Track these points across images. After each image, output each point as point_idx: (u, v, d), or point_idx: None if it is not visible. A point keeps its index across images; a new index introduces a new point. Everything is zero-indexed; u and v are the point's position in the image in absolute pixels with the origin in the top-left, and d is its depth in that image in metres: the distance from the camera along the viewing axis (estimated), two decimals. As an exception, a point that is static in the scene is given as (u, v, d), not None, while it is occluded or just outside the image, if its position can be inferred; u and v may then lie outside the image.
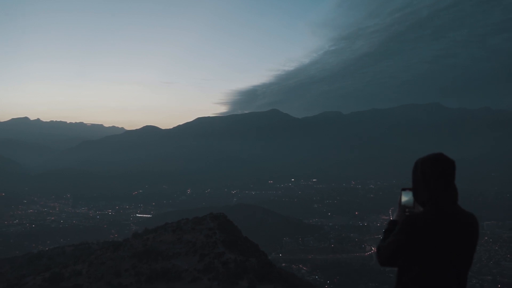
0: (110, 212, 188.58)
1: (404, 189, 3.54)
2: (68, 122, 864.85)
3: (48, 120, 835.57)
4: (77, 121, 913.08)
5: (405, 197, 3.49)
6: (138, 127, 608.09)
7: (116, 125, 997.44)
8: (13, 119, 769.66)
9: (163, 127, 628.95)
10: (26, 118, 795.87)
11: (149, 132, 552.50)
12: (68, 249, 52.59)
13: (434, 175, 3.17)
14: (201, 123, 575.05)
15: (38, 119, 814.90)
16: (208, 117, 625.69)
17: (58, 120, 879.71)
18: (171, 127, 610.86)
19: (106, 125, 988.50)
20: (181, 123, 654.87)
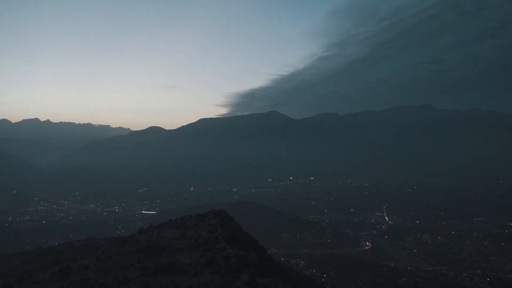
0: (116, 209, 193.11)
1: None
2: (76, 123, 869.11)
3: (57, 121, 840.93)
4: (85, 122, 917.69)
5: None
6: (143, 128, 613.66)
7: (123, 126, 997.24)
8: (24, 120, 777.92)
9: (167, 128, 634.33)
10: (36, 120, 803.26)
11: (154, 132, 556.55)
12: (76, 244, 55.10)
13: None
14: (204, 124, 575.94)
15: (48, 120, 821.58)
16: (210, 118, 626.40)
17: (67, 121, 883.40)
18: (174, 127, 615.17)
19: (112, 126, 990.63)
20: (184, 124, 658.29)
